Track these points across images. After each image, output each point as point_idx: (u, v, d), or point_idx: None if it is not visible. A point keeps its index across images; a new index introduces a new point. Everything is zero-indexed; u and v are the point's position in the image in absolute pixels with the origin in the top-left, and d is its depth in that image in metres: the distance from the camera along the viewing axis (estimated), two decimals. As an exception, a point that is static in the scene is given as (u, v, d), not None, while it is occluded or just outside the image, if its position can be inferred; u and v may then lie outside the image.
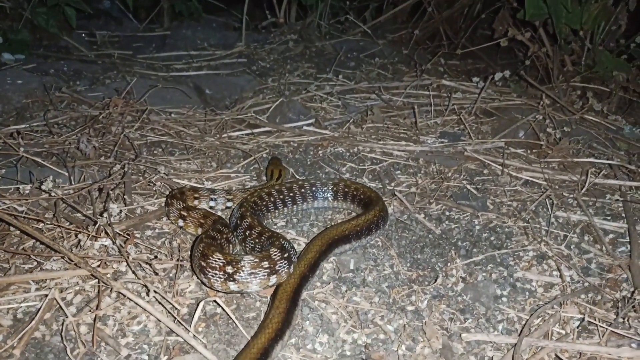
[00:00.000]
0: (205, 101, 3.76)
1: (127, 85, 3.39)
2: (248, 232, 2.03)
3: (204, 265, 1.79)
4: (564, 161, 2.88)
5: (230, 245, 2.03)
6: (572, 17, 3.60)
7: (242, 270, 1.78)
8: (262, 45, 4.97)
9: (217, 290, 1.84)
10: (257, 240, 2.01)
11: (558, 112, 3.45)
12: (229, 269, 1.77)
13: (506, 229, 2.34)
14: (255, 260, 1.80)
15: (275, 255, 1.82)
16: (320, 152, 3.02)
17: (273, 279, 1.82)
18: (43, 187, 1.99)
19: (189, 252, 2.04)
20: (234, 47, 4.87)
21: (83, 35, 4.97)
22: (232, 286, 1.79)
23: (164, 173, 2.50)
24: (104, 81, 3.89)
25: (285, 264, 1.84)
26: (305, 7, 5.36)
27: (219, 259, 1.78)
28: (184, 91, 3.66)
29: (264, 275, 1.80)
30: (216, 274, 1.78)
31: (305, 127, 3.27)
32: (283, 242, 1.89)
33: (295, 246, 2.16)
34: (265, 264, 1.80)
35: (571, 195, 2.59)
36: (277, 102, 3.47)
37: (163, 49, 4.81)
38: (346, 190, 2.41)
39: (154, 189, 2.46)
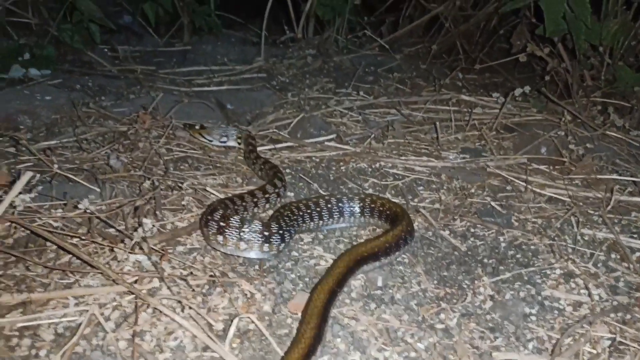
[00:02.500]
0: (227, 116, 3.82)
1: (152, 100, 3.46)
2: None
3: (209, 218, 2.11)
4: (587, 178, 2.89)
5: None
6: (591, 33, 3.63)
7: (229, 228, 2.07)
8: (280, 60, 5.04)
9: (208, 245, 2.16)
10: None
11: (579, 127, 3.47)
12: (222, 223, 2.07)
13: (532, 247, 2.35)
14: (237, 222, 2.08)
15: (254, 236, 2.09)
16: (342, 167, 3.06)
17: (243, 245, 2.09)
18: (80, 207, 2.04)
19: (220, 268, 2.08)
20: (253, 62, 4.94)
21: (105, 50, 5.07)
22: (219, 239, 2.09)
23: (193, 188, 2.55)
24: (129, 96, 3.97)
25: (259, 238, 2.09)
26: (322, 22, 5.44)
27: (219, 214, 2.10)
28: (208, 105, 3.72)
29: (234, 240, 2.08)
30: (212, 224, 2.09)
31: (326, 143, 3.32)
32: (272, 225, 2.14)
33: (322, 263, 2.20)
34: (245, 234, 2.09)
35: (596, 213, 2.59)
36: (298, 117, 3.52)
37: (184, 64, 4.89)
38: (372, 206, 2.44)
39: (182, 203, 2.51)
